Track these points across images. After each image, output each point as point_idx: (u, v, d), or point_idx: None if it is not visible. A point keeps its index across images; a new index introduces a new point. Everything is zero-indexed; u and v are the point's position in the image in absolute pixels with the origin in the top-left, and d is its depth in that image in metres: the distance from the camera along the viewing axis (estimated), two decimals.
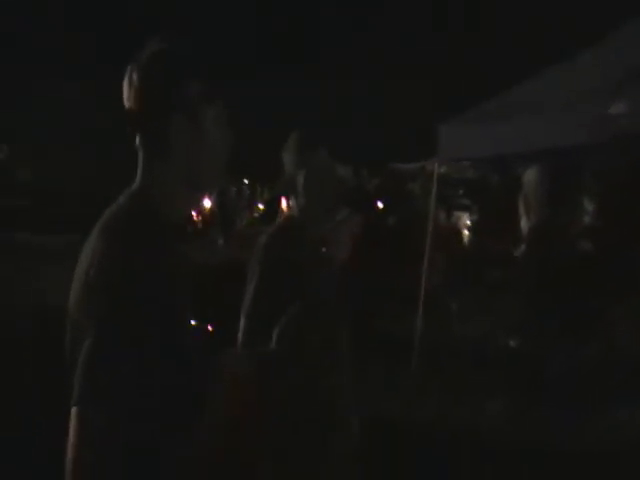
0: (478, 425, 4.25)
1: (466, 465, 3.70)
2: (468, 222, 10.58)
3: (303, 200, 2.33)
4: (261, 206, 20.17)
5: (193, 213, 16.76)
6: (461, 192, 11.98)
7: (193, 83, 1.31)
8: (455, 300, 7.16)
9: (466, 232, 10.54)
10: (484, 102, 5.37)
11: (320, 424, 2.24)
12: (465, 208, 11.03)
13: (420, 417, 4.37)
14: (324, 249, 2.35)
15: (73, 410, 1.12)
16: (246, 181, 21.55)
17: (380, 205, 11.55)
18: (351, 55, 24.96)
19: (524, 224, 7.14)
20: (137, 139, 1.34)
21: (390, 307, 6.52)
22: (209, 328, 1.56)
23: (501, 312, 6.93)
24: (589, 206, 5.26)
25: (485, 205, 10.43)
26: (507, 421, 4.28)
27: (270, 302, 2.25)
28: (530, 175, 6.94)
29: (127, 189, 1.33)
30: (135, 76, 1.30)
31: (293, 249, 2.27)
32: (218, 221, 16.58)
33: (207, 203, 19.21)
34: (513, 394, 4.72)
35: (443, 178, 8.19)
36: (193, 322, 1.36)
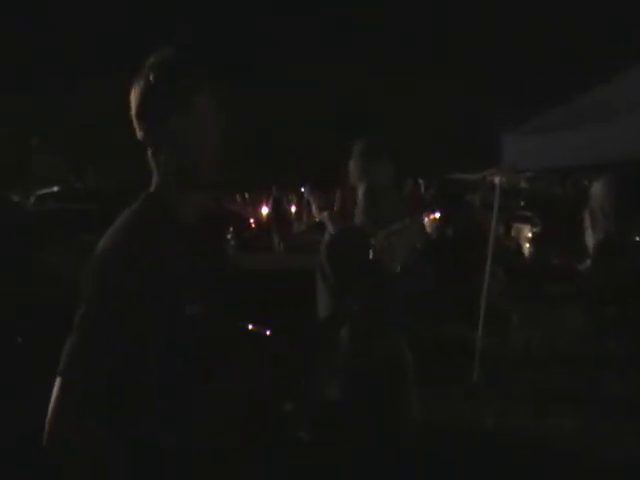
0: (537, 434, 4.19)
1: (527, 473, 3.65)
2: (529, 234, 10.37)
3: (363, 208, 2.37)
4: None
5: (251, 220, 17.10)
6: (522, 204, 11.76)
7: (195, 87, 1.36)
8: (516, 312, 7.03)
9: (527, 245, 10.34)
10: (549, 111, 5.26)
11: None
12: (526, 220, 10.81)
13: (480, 426, 4.33)
14: (373, 256, 2.38)
15: (57, 380, 1.19)
16: (303, 189, 21.75)
17: (437, 215, 11.46)
18: (414, 61, 24.85)
19: (589, 238, 6.98)
20: (145, 139, 1.39)
21: (450, 317, 6.46)
22: (267, 332, 1.57)
23: (562, 325, 6.79)
24: None
25: (547, 217, 10.20)
26: (567, 431, 4.21)
27: (332, 304, 2.30)
28: (597, 187, 6.78)
29: (146, 189, 1.40)
30: (139, 82, 1.36)
31: (350, 253, 2.31)
32: (274, 227, 16.80)
33: (264, 210, 19.52)
34: (574, 406, 4.63)
35: (504, 189, 8.09)
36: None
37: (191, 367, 1.27)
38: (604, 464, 3.75)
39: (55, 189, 11.79)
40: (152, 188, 1.38)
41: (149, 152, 1.38)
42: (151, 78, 1.33)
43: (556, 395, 4.87)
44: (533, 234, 10.33)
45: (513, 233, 10.48)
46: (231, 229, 11.56)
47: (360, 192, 2.38)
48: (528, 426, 4.34)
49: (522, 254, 10.23)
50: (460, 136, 22.03)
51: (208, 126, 1.37)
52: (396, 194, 2.44)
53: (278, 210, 17.39)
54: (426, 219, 10.23)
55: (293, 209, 18.91)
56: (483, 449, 3.95)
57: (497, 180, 6.07)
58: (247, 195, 23.62)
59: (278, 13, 26.94)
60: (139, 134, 1.37)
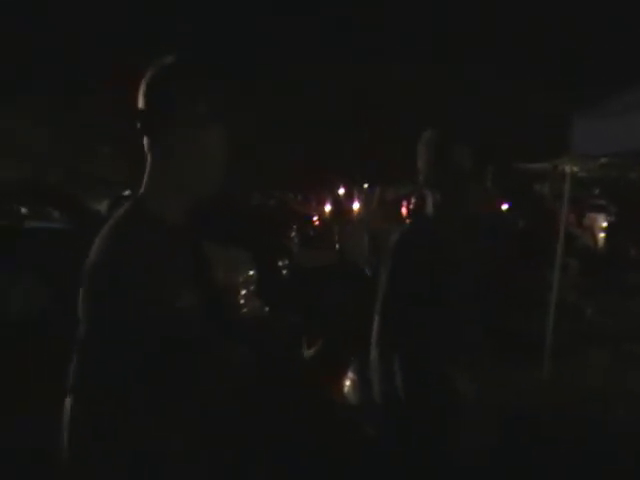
0: (610, 430, 4.01)
1: (597, 467, 3.50)
2: (604, 224, 9.94)
3: (438, 198, 2.30)
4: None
5: (315, 218, 17.24)
6: (596, 192, 11.29)
7: (200, 102, 1.34)
8: (589, 304, 6.76)
9: (601, 234, 9.91)
10: (622, 91, 5.00)
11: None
12: (601, 209, 10.36)
13: (550, 419, 4.19)
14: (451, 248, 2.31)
15: (67, 400, 1.20)
16: (366, 185, 21.69)
17: (505, 206, 11.18)
18: (478, 45, 24.27)
19: None
20: (146, 143, 1.38)
21: (521, 309, 6.28)
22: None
23: (638, 317, 6.47)
24: None
25: (623, 205, 9.74)
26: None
27: (400, 300, 2.25)
28: None
29: (134, 193, 1.39)
30: (146, 86, 1.34)
31: (423, 248, 2.25)
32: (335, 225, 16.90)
33: (327, 207, 19.63)
34: None
35: (576, 177, 7.77)
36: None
37: (181, 368, 1.26)
38: None
39: (127, 193, 12.15)
40: (141, 190, 1.37)
41: (148, 155, 1.37)
42: (153, 84, 1.33)
43: (631, 390, 4.66)
44: (608, 223, 9.90)
45: (587, 223, 10.08)
46: (295, 227, 11.68)
47: (433, 182, 2.29)
48: (601, 422, 4.17)
49: (596, 244, 9.82)
50: (526, 122, 21.36)
51: (209, 139, 1.35)
52: (470, 182, 2.33)
53: (339, 208, 17.46)
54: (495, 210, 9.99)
55: (356, 206, 18.90)
56: (552, 442, 3.82)
57: (567, 167, 5.82)
58: (303, 196, 23.87)
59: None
60: (140, 137, 1.37)
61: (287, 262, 8.99)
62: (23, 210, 11.50)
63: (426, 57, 24.39)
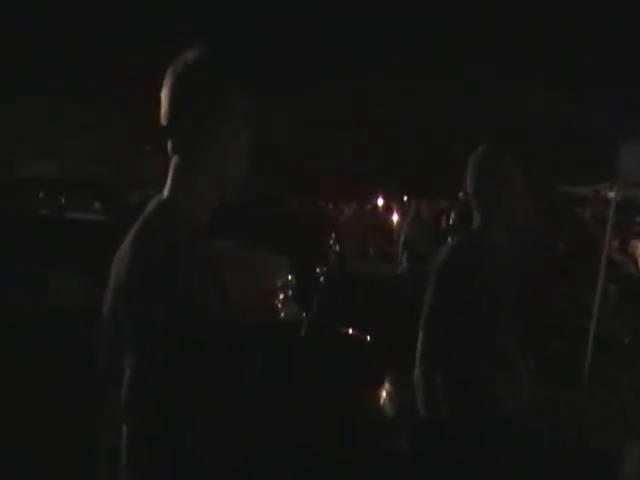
0: None
1: None
2: None
3: (487, 213, 2.34)
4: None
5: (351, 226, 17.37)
6: (638, 219, 11.11)
7: (230, 100, 1.31)
8: (627, 332, 6.67)
9: None
10: None
11: None
12: None
13: (588, 445, 4.16)
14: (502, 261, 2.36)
15: (122, 418, 1.15)
16: (406, 198, 21.67)
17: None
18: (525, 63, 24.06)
19: None
20: (169, 145, 1.34)
21: (560, 332, 6.24)
22: (367, 338, 1.54)
23: None
24: None
25: None
26: None
27: (446, 316, 2.29)
28: None
29: (157, 196, 1.34)
30: (172, 86, 1.31)
31: (472, 264, 2.29)
32: (369, 235, 17.02)
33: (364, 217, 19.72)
34: None
35: (619, 203, 7.68)
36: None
37: (222, 366, 1.24)
38: None
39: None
40: (166, 191, 1.33)
41: (172, 157, 1.35)
42: (180, 84, 1.30)
43: None
44: None
45: (629, 250, 9.92)
46: (333, 235, 11.78)
47: (483, 196, 2.33)
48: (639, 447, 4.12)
49: (638, 272, 9.66)
50: (570, 145, 21.07)
51: (241, 142, 1.34)
52: (521, 197, 2.37)
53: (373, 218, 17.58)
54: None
55: (395, 218, 18.88)
56: (592, 469, 3.79)
57: (613, 193, 5.78)
58: (344, 205, 23.92)
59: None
60: (165, 138, 1.34)
61: (325, 269, 9.05)
62: (64, 201, 11.82)
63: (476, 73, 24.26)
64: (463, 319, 2.28)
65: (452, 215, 10.74)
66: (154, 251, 1.21)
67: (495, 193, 2.31)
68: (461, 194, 9.54)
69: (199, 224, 1.33)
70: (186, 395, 1.16)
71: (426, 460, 3.09)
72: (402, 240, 10.86)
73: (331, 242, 10.87)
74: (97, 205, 11.22)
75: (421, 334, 2.33)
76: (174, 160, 1.34)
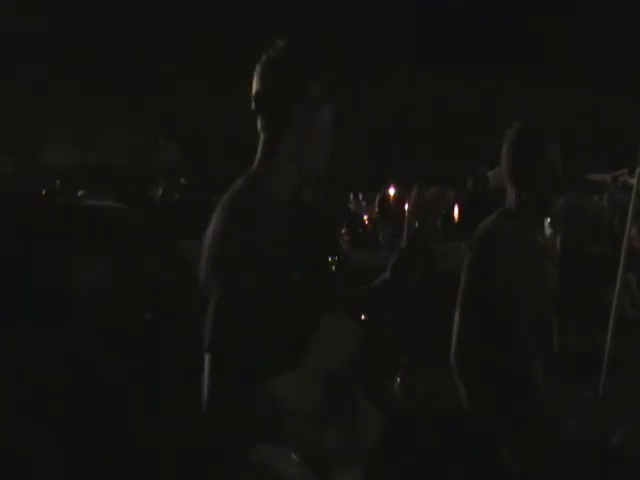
0: None
1: None
2: None
3: (525, 191, 2.27)
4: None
5: (365, 217, 17.24)
6: None
7: (315, 83, 1.40)
8: None
9: None
10: None
11: None
12: None
13: (606, 440, 4.09)
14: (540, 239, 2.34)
15: (206, 357, 1.27)
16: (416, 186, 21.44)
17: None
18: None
19: None
20: (260, 122, 1.44)
21: (578, 325, 6.15)
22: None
23: None
24: None
25: None
26: None
27: (478, 295, 2.23)
28: None
29: (246, 170, 1.45)
30: (263, 68, 1.41)
31: (508, 244, 2.22)
32: (380, 225, 16.91)
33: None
34: None
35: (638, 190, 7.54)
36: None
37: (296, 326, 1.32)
38: None
39: (182, 181, 12.35)
40: (254, 168, 1.44)
41: (262, 134, 1.44)
42: (270, 65, 1.41)
43: None
44: None
45: None
46: (345, 225, 11.76)
47: (521, 176, 2.27)
48: None
49: None
50: (589, 133, 20.85)
51: (319, 126, 1.43)
52: (558, 177, 2.31)
53: (384, 208, 17.33)
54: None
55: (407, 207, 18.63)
56: (610, 465, 3.73)
57: (635, 179, 5.65)
58: (362, 194, 23.77)
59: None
60: (255, 117, 1.44)
61: (336, 259, 8.96)
62: (81, 192, 11.96)
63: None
64: (499, 306, 2.21)
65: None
66: (236, 222, 1.32)
67: (533, 173, 2.24)
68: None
69: (284, 200, 1.42)
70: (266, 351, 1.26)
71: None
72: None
73: (343, 232, 10.87)
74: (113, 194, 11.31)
75: (457, 312, 2.30)
76: (261, 138, 1.45)
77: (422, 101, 25.01)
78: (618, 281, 5.21)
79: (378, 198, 19.99)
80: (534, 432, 2.19)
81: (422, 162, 23.57)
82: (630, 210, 5.59)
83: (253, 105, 1.43)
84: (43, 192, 11.80)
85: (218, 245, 1.32)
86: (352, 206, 23.06)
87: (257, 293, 1.28)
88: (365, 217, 17.39)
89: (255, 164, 1.44)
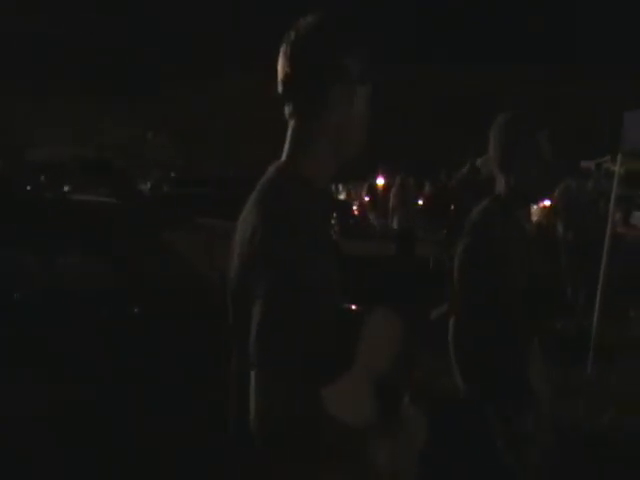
0: None
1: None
2: None
3: (514, 178, 2.28)
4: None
5: (354, 207, 17.28)
6: None
7: (352, 59, 1.29)
8: (634, 306, 6.67)
9: None
10: None
11: None
12: None
13: (594, 422, 4.16)
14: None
15: (252, 374, 1.16)
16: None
17: (547, 203, 11.01)
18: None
19: None
20: (288, 108, 1.33)
21: (566, 309, 6.24)
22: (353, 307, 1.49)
23: None
24: None
25: None
26: None
27: (473, 280, 2.24)
28: None
29: (276, 161, 1.34)
30: (291, 50, 1.29)
31: (500, 230, 2.24)
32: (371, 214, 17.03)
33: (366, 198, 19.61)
34: None
35: (621, 176, 7.63)
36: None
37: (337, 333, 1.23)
38: None
39: (172, 175, 12.22)
40: (284, 156, 1.33)
41: (291, 120, 1.33)
42: (299, 47, 1.28)
43: None
44: None
45: (632, 222, 9.89)
46: (335, 215, 11.80)
47: (511, 162, 2.26)
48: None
49: None
50: (571, 119, 20.93)
51: (357, 108, 1.32)
52: (548, 163, 2.34)
53: (374, 197, 17.40)
54: (534, 207, 9.83)
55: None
56: (597, 447, 3.79)
57: (616, 166, 5.73)
58: (341, 185, 23.79)
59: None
60: (283, 99, 1.32)
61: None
62: (66, 188, 11.86)
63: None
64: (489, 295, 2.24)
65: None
66: (280, 219, 1.21)
67: (522, 161, 2.25)
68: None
69: (318, 187, 1.32)
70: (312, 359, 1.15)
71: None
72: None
73: (333, 222, 10.91)
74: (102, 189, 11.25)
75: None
76: (292, 124, 1.33)
77: (422, 101, 25.04)
78: (602, 266, 5.30)
79: (366, 188, 20.07)
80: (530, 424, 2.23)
81: (422, 161, 23.55)
82: (612, 196, 5.68)
83: (280, 89, 1.31)
84: (27, 188, 11.70)
85: (263, 244, 1.20)
86: (342, 196, 23.09)
87: (307, 292, 1.17)
88: (354, 207, 17.50)
89: (286, 154, 1.33)
